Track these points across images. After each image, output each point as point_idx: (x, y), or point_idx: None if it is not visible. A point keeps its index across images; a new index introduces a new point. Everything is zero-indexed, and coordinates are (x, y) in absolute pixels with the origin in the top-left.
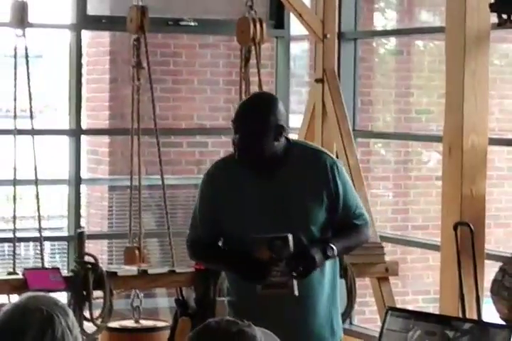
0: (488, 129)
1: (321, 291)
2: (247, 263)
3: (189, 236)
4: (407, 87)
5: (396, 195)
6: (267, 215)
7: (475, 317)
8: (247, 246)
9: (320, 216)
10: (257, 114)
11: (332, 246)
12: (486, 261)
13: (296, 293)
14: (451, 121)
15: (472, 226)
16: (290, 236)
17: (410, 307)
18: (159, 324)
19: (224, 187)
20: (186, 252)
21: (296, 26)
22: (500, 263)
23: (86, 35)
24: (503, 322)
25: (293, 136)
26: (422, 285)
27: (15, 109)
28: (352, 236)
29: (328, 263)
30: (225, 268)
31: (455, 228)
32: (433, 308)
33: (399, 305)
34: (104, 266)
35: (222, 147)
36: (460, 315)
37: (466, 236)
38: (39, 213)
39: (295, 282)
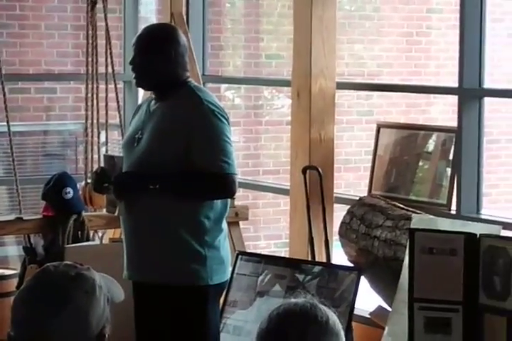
0: (337, 73)
1: (154, 220)
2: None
3: None
4: (256, 31)
5: (247, 140)
6: (130, 147)
7: (324, 260)
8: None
9: (169, 156)
10: (144, 33)
11: (151, 180)
12: (336, 205)
13: (117, 213)
14: (299, 65)
15: (321, 170)
16: (118, 159)
17: (263, 253)
18: (7, 272)
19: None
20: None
21: None
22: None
23: None
24: (352, 265)
25: None
26: (274, 229)
27: None
28: (194, 181)
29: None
30: None
31: (304, 172)
32: (285, 253)
33: (251, 251)
34: None
35: (70, 93)
36: (310, 259)
37: (315, 180)
38: None
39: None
